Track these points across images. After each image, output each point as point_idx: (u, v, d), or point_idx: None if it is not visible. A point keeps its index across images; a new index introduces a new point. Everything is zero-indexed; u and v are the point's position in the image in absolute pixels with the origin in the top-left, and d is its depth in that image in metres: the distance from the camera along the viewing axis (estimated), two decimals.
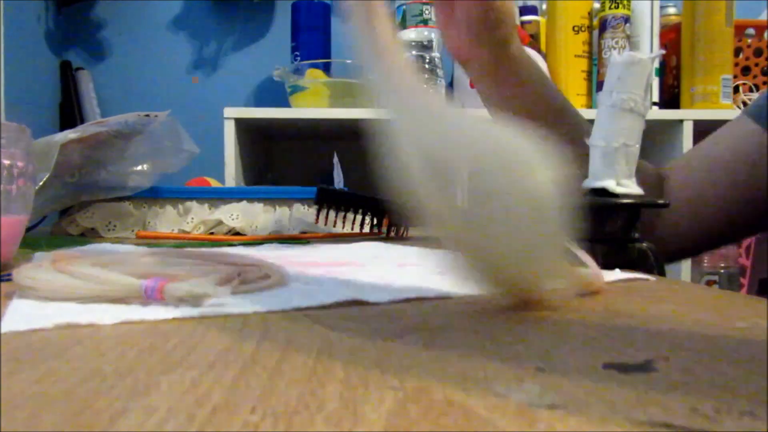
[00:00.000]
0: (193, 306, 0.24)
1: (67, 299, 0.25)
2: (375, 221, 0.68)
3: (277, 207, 0.70)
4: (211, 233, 0.67)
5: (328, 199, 0.66)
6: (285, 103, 1.31)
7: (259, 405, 0.13)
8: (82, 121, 1.45)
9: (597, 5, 1.29)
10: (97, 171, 0.68)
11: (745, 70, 1.35)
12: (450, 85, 1.31)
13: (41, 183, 0.57)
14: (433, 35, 1.24)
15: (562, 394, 0.14)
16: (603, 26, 1.26)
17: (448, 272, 0.26)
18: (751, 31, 1.35)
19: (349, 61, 1.30)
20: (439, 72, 1.23)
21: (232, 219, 0.67)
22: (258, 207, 0.69)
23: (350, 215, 0.66)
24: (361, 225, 0.67)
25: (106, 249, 0.49)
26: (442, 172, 0.24)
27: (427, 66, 1.21)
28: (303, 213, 0.70)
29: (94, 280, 0.25)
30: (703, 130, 0.66)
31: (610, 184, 0.39)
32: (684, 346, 0.19)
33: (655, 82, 1.31)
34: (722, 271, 1.28)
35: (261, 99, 1.57)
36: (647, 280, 0.34)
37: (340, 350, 0.18)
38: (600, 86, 1.26)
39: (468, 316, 0.24)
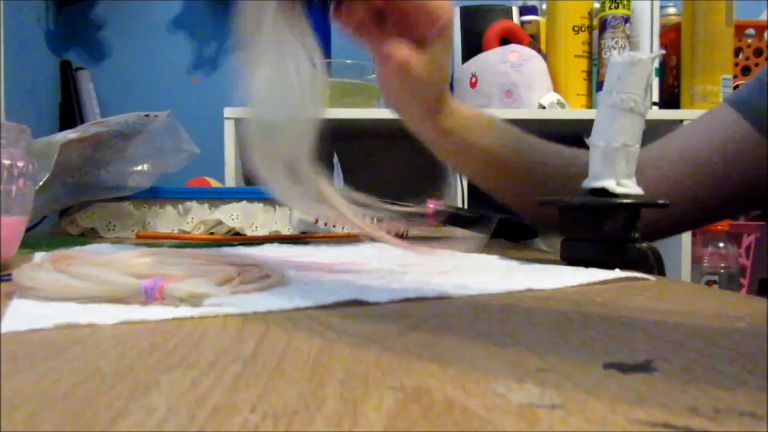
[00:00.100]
0: (193, 306, 0.24)
1: (67, 299, 0.25)
2: (375, 221, 0.67)
3: (277, 207, 0.70)
4: (211, 233, 0.67)
5: None
6: None
7: (259, 405, 0.13)
8: (82, 121, 1.45)
9: (597, 5, 1.29)
10: (97, 171, 0.68)
11: (745, 70, 1.35)
12: (450, 86, 1.31)
13: (41, 183, 0.57)
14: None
15: (562, 394, 0.14)
16: (603, 26, 1.26)
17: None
18: (751, 31, 1.35)
19: (349, 61, 1.30)
20: None
21: (232, 219, 0.67)
22: (258, 207, 0.69)
23: None
24: None
25: (106, 249, 0.49)
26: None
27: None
28: (303, 213, 0.70)
29: (94, 280, 0.25)
30: None
31: (610, 184, 0.39)
32: (684, 346, 0.19)
33: (655, 82, 1.31)
34: (722, 271, 1.28)
35: None
36: (647, 280, 0.34)
37: (340, 350, 0.18)
38: (600, 86, 1.26)
39: (468, 316, 0.24)
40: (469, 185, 1.18)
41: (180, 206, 0.69)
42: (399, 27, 0.47)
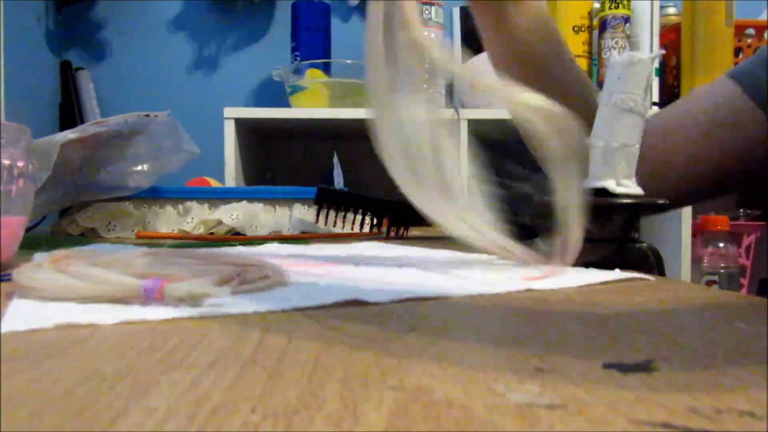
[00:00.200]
0: (193, 306, 0.24)
1: (67, 299, 0.25)
2: (375, 221, 0.68)
3: (277, 207, 0.70)
4: (211, 233, 0.67)
5: (328, 199, 0.66)
6: (285, 103, 1.31)
7: (259, 405, 0.13)
8: (82, 121, 1.45)
9: (597, 5, 1.29)
10: (97, 171, 0.68)
11: None
12: (450, 85, 1.31)
13: (41, 183, 0.57)
14: (433, 35, 1.24)
15: (562, 394, 0.14)
16: (603, 26, 1.26)
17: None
18: (751, 31, 1.35)
19: (349, 61, 1.30)
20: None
21: (232, 219, 0.67)
22: (258, 207, 0.69)
23: (350, 215, 0.66)
24: (361, 225, 0.67)
25: (106, 249, 0.49)
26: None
27: (426, 66, 1.21)
28: (303, 213, 0.70)
29: (94, 280, 0.25)
30: None
31: (610, 184, 0.39)
32: (684, 346, 0.19)
33: (655, 82, 1.31)
34: (722, 271, 1.28)
35: (261, 99, 1.57)
36: (647, 280, 0.34)
37: (340, 350, 0.18)
38: (600, 86, 1.26)
39: (468, 316, 0.24)
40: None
41: (180, 206, 0.69)
42: None
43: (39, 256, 0.36)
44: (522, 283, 0.31)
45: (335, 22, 1.47)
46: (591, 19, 1.30)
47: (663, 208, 0.41)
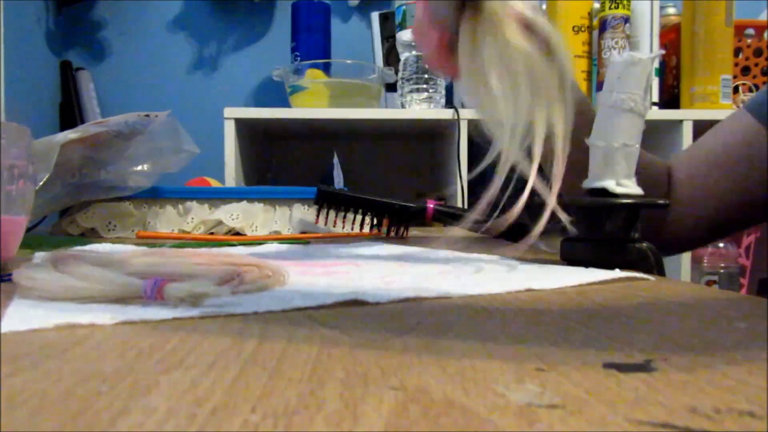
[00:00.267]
0: (193, 306, 0.24)
1: (67, 299, 0.25)
2: (375, 221, 0.68)
3: (277, 207, 0.70)
4: (211, 233, 0.67)
5: (328, 199, 0.66)
6: (285, 103, 1.31)
7: (259, 405, 0.13)
8: (82, 121, 1.45)
9: (597, 5, 1.29)
10: (97, 171, 0.68)
11: (745, 70, 1.35)
12: (450, 84, 1.31)
13: (41, 183, 0.57)
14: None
15: (562, 394, 0.14)
16: (603, 26, 1.26)
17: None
18: (751, 31, 1.35)
19: (349, 61, 1.30)
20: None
21: (232, 219, 0.67)
22: (258, 207, 0.69)
23: (350, 215, 0.66)
24: (361, 225, 0.67)
25: (106, 249, 0.49)
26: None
27: (426, 65, 1.21)
28: (303, 213, 0.70)
29: (94, 280, 0.25)
30: (702, 130, 0.66)
31: (610, 185, 0.39)
32: (684, 346, 0.19)
33: (655, 82, 1.31)
34: (722, 271, 1.28)
35: (261, 99, 1.57)
36: (647, 280, 0.34)
37: (340, 350, 0.18)
38: (600, 86, 1.26)
39: (468, 316, 0.24)
40: (469, 185, 1.18)
41: (180, 206, 0.69)
42: None
43: (39, 256, 0.36)
44: (522, 283, 0.31)
45: (335, 22, 1.47)
46: (591, 19, 1.30)
47: (663, 209, 0.41)
